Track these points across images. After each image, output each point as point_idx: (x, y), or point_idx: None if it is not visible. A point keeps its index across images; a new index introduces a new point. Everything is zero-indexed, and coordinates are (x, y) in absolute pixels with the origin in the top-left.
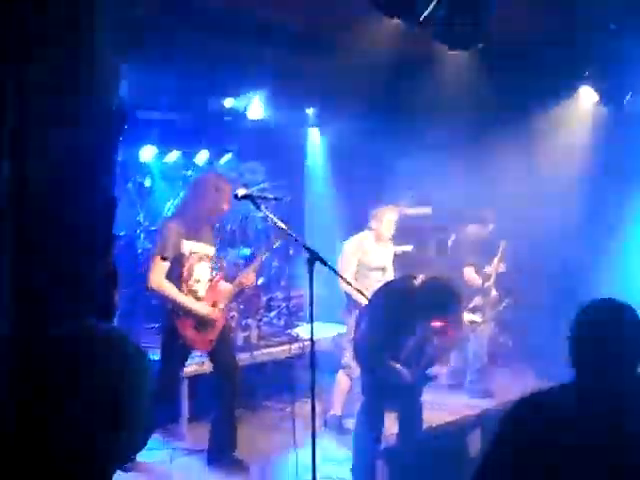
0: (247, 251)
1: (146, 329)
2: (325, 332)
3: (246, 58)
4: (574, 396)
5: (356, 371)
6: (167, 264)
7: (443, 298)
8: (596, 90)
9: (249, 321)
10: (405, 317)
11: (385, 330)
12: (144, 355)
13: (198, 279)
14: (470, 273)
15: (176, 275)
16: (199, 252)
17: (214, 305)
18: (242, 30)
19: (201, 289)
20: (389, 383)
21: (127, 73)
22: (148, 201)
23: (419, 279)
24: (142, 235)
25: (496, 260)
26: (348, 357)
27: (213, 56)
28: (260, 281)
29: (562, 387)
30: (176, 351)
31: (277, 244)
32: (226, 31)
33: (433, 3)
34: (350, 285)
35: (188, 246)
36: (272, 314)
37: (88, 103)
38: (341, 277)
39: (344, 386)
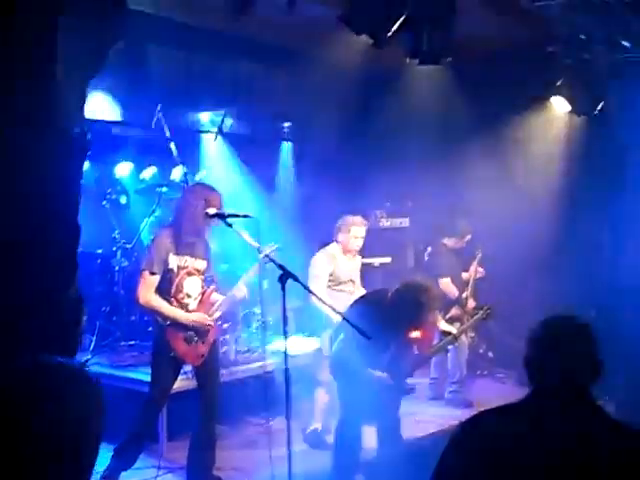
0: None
1: (124, 346)
2: (304, 347)
3: (220, 73)
4: (528, 414)
5: (334, 386)
6: (156, 279)
7: (416, 306)
8: (567, 100)
9: (227, 337)
10: (381, 330)
11: (361, 344)
12: (98, 389)
13: (188, 294)
14: (447, 284)
15: (165, 290)
16: (188, 267)
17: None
18: (217, 45)
19: (192, 303)
20: (366, 397)
21: (103, 90)
22: (124, 218)
23: (391, 291)
24: (118, 252)
25: (472, 269)
26: (325, 373)
27: (188, 71)
28: None
29: (517, 405)
30: (168, 365)
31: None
32: (201, 47)
33: (400, 20)
34: (322, 301)
35: (175, 261)
36: (251, 329)
37: (47, 134)
38: (312, 292)
39: (322, 401)
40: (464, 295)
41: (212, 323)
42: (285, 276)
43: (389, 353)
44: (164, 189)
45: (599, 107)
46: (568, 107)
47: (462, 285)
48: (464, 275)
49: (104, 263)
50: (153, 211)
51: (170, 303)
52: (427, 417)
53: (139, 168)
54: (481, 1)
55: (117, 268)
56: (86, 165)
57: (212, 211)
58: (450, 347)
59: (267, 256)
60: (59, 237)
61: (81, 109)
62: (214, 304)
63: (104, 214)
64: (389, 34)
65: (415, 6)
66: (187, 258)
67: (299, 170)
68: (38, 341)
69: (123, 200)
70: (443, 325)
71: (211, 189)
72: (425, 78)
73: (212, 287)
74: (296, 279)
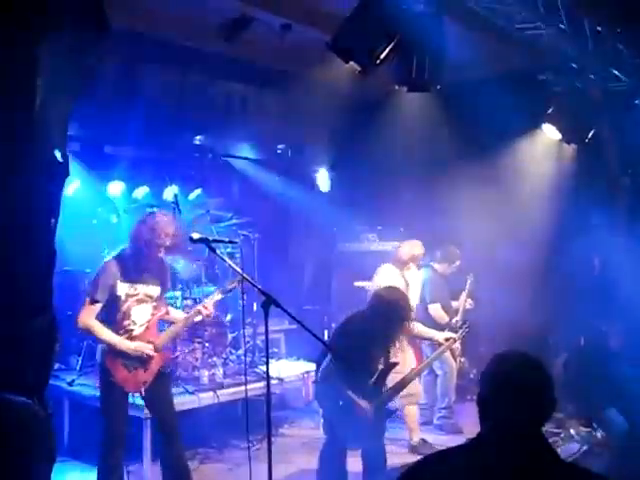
0: (212, 289)
1: None
2: (293, 369)
3: (214, 93)
4: (480, 452)
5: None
6: (97, 307)
7: (390, 316)
8: (558, 128)
9: (215, 359)
10: (362, 351)
11: (346, 365)
12: (45, 427)
13: (134, 320)
14: (437, 310)
15: (112, 318)
16: (139, 294)
17: (149, 344)
18: (211, 66)
19: (137, 329)
20: (350, 422)
21: (95, 110)
22: (113, 237)
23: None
24: None
25: (463, 295)
26: None
27: (182, 93)
28: (228, 318)
29: (471, 442)
30: (113, 391)
31: (233, 285)
32: (196, 68)
33: (388, 48)
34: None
35: (124, 289)
36: (239, 352)
37: (26, 156)
38: (294, 319)
39: (413, 414)
40: (454, 320)
41: (152, 352)
42: (267, 302)
43: (372, 378)
44: (155, 209)
45: (589, 135)
46: (559, 135)
47: (452, 312)
48: (454, 304)
49: None
50: None
51: (115, 330)
52: None
53: (131, 187)
54: (472, 29)
55: None
56: (78, 183)
57: (196, 236)
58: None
59: (229, 290)
60: (31, 264)
61: (63, 132)
62: (161, 333)
63: (94, 233)
64: (377, 62)
65: (404, 34)
66: (138, 285)
67: (290, 192)
68: (3, 369)
69: (113, 219)
70: (439, 334)
71: (164, 219)
72: (415, 104)
73: (159, 314)
74: (278, 305)
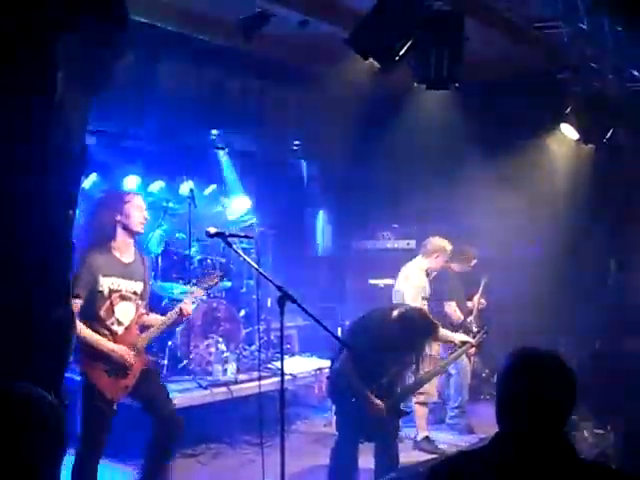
0: (229, 284)
1: None
2: (306, 366)
3: (233, 90)
4: (495, 461)
5: None
6: (78, 302)
7: (420, 329)
8: (576, 128)
9: (228, 354)
10: (382, 349)
11: (362, 363)
12: (60, 416)
13: (119, 320)
14: (452, 308)
15: (92, 315)
16: (122, 290)
17: (130, 347)
18: (228, 62)
19: (121, 330)
20: (363, 418)
21: (112, 104)
22: None
23: (395, 312)
24: None
25: (477, 296)
26: None
27: (199, 88)
28: (242, 314)
29: (485, 449)
30: (94, 396)
31: (214, 282)
32: (215, 64)
33: (408, 45)
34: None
35: (107, 283)
36: (252, 347)
37: (45, 150)
38: (310, 315)
39: (422, 412)
40: (469, 320)
41: (131, 360)
42: (283, 298)
43: (387, 377)
44: (170, 203)
45: (608, 136)
46: (576, 135)
47: (467, 311)
48: (469, 304)
49: None
50: (159, 225)
51: (97, 330)
52: None
53: (147, 182)
54: (491, 27)
55: None
56: (94, 177)
57: (213, 230)
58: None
59: (209, 287)
60: (50, 256)
61: (83, 127)
62: (143, 330)
63: None
64: (396, 58)
65: (423, 31)
66: (120, 281)
67: (307, 189)
68: (20, 360)
69: None
70: (458, 336)
71: (125, 195)
72: (434, 101)
73: (140, 312)
74: (294, 301)
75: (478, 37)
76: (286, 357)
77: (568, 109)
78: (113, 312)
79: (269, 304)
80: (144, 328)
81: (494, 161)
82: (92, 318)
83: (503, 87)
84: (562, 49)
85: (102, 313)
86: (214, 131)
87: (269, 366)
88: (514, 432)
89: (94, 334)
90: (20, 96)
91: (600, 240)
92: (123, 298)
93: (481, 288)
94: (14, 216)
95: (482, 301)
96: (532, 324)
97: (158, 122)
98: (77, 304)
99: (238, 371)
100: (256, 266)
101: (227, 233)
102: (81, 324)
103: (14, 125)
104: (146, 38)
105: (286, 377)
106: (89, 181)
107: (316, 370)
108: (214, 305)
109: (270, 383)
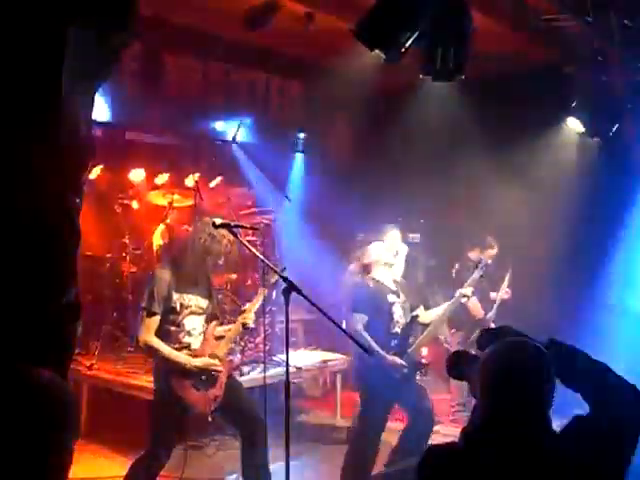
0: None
1: (130, 352)
2: (310, 359)
3: (237, 81)
4: (490, 443)
5: None
6: (156, 319)
7: None
8: (582, 121)
9: (233, 346)
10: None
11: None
12: (71, 399)
13: (189, 332)
14: (475, 303)
15: (165, 331)
16: (191, 306)
17: (212, 357)
18: (234, 55)
19: (195, 342)
20: (386, 378)
21: (117, 95)
22: (134, 224)
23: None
24: (128, 258)
25: (502, 289)
26: None
27: (205, 80)
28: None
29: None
30: (172, 416)
31: (274, 279)
32: (219, 55)
33: (414, 36)
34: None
35: (178, 299)
36: (257, 340)
37: (51, 141)
38: (316, 307)
39: None
40: (488, 316)
41: (219, 365)
42: (288, 289)
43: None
44: (176, 196)
45: (614, 129)
46: (582, 128)
47: (488, 305)
48: (492, 295)
49: (113, 268)
50: (165, 217)
51: (171, 344)
52: (448, 438)
53: (153, 174)
54: (497, 19)
55: (126, 273)
56: (99, 169)
57: (219, 221)
58: None
59: (272, 268)
60: (56, 243)
61: (87, 116)
62: (219, 339)
63: (115, 218)
64: (402, 50)
65: (429, 23)
66: (191, 297)
67: (311, 182)
68: (23, 346)
69: (134, 205)
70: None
71: (214, 225)
72: (439, 94)
73: (214, 323)
74: (300, 292)
75: (484, 29)
76: (291, 350)
77: (574, 103)
78: (183, 325)
79: (274, 296)
80: (217, 338)
81: (499, 155)
82: (166, 333)
83: (509, 80)
84: (568, 42)
85: (173, 327)
86: (219, 123)
87: (274, 358)
88: (497, 416)
89: (180, 354)
90: (31, 82)
91: (606, 234)
92: (191, 313)
93: (506, 279)
94: (29, 204)
95: (507, 290)
96: (541, 316)
97: (163, 114)
98: (155, 322)
99: (242, 363)
100: (262, 257)
101: (232, 224)
102: (164, 344)
103: (19, 118)
104: (152, 29)
105: (291, 369)
106: (94, 173)
107: (321, 363)
108: (219, 297)
109: (275, 375)
